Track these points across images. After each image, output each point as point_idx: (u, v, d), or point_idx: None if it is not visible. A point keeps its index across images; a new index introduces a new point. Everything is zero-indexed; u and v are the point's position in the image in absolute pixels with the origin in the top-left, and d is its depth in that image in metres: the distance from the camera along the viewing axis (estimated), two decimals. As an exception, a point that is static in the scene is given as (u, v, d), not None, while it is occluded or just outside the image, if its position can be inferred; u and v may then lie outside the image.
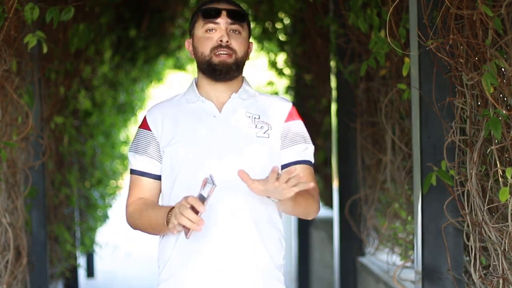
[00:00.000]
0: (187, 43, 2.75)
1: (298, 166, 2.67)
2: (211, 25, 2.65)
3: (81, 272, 7.85)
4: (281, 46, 7.49)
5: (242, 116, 2.68)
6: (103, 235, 8.53)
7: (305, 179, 2.49)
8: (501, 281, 2.81)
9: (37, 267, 4.31)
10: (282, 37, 7.44)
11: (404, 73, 3.49)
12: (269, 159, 2.64)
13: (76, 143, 6.75)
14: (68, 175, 6.32)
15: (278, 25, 7.43)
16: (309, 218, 2.70)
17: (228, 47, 2.63)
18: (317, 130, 7.10)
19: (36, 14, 3.41)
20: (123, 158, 9.07)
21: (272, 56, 7.73)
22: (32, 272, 4.24)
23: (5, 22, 3.37)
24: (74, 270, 7.14)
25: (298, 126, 2.71)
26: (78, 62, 5.72)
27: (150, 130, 2.70)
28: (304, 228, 7.63)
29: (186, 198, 2.39)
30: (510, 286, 2.79)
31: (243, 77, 2.77)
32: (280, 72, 7.69)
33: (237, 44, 2.65)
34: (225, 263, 2.61)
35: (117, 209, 9.84)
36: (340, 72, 5.00)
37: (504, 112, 2.69)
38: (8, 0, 3.35)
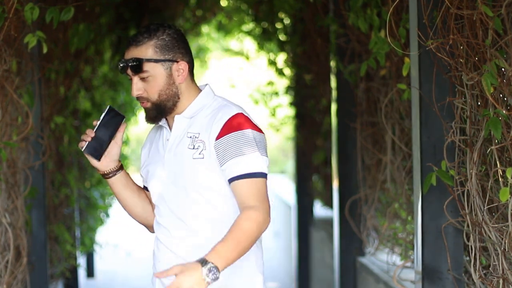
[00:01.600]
0: None
1: (238, 183, 2.59)
2: (128, 76, 2.68)
3: (81, 272, 7.85)
4: (281, 46, 7.49)
5: (185, 138, 2.70)
6: (103, 235, 8.53)
7: (246, 196, 2.56)
8: (501, 281, 2.81)
9: (37, 267, 4.31)
10: (282, 37, 7.45)
11: (404, 73, 3.49)
12: (205, 179, 2.65)
13: (76, 143, 6.75)
14: (68, 175, 6.32)
15: (278, 25, 7.43)
16: (263, 233, 2.60)
17: (140, 97, 2.67)
18: (317, 130, 7.11)
19: (36, 14, 3.40)
20: (123, 158, 9.07)
21: (272, 56, 7.73)
22: (32, 272, 4.24)
23: (5, 22, 3.37)
24: (74, 270, 7.13)
25: (231, 140, 2.60)
26: (78, 62, 5.72)
27: (141, 152, 2.93)
28: (304, 228, 7.63)
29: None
30: (510, 286, 2.79)
31: (202, 89, 2.74)
32: (280, 72, 7.69)
33: (148, 89, 2.65)
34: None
35: (117, 209, 9.85)
36: (340, 72, 5.00)
37: (504, 112, 2.69)
38: (8, 0, 3.35)
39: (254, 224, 2.52)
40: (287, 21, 7.37)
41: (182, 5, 8.14)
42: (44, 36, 3.62)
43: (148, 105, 2.67)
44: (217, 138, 2.61)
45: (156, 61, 2.64)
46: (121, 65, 2.66)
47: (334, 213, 5.37)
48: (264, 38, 7.64)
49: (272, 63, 7.68)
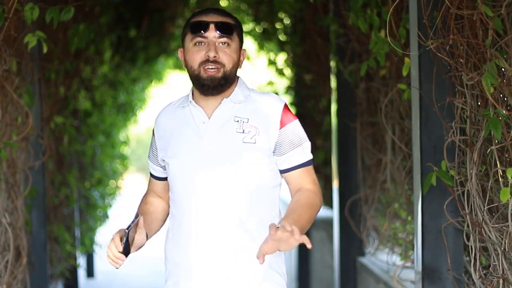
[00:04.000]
0: (180, 53, 2.74)
1: (298, 171, 2.72)
2: (199, 39, 2.64)
3: (81, 272, 7.85)
4: (281, 46, 7.49)
5: (231, 121, 2.68)
6: (103, 235, 8.53)
7: (305, 181, 2.70)
8: (501, 281, 2.81)
9: (37, 267, 4.31)
10: (282, 37, 7.45)
11: (404, 73, 3.49)
12: (255, 165, 2.66)
13: (76, 143, 6.75)
14: (68, 175, 6.32)
15: (278, 25, 7.43)
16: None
17: (216, 61, 2.63)
18: (317, 130, 7.10)
19: (36, 14, 3.40)
20: (123, 158, 9.07)
21: (272, 56, 7.73)
22: (32, 272, 4.24)
23: (5, 22, 3.37)
24: (74, 270, 7.14)
25: (293, 129, 2.69)
26: (78, 62, 5.72)
27: (154, 136, 2.82)
28: (304, 228, 7.61)
29: (115, 233, 2.58)
30: (510, 286, 2.79)
31: (237, 78, 2.76)
32: (280, 72, 7.69)
33: (225, 57, 2.64)
34: (220, 271, 2.67)
35: (117, 209, 9.84)
36: (340, 72, 5.00)
37: (504, 112, 2.69)
38: (8, 0, 3.35)
39: (318, 204, 2.68)
40: (287, 21, 7.37)
41: (182, 5, 8.14)
42: (44, 36, 3.62)
43: (219, 73, 2.63)
44: (280, 128, 2.67)
45: (238, 35, 2.70)
46: (213, 20, 2.64)
47: (334, 213, 5.36)
48: (264, 38, 7.64)
49: (272, 63, 7.68)
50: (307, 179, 2.72)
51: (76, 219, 7.08)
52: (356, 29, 4.28)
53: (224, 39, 2.64)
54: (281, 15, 7.29)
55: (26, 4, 3.45)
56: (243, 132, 2.66)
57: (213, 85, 2.64)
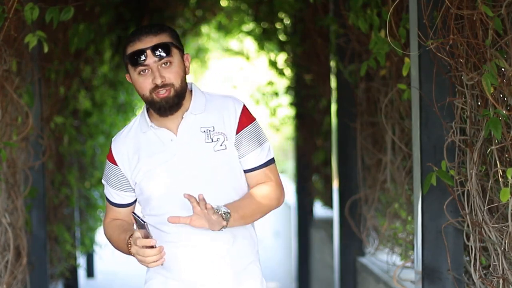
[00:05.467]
0: (128, 78, 2.72)
1: (259, 171, 2.76)
2: (141, 68, 2.64)
3: (81, 272, 7.85)
4: (281, 46, 7.49)
5: (197, 133, 2.70)
6: (103, 235, 8.53)
7: (262, 180, 2.75)
8: (501, 281, 2.81)
9: (37, 267, 4.31)
10: (282, 37, 7.45)
11: (404, 73, 3.49)
12: (231, 170, 2.72)
13: (76, 143, 6.75)
14: (68, 175, 6.32)
15: (278, 25, 7.43)
16: (274, 209, 2.80)
17: (164, 85, 2.63)
18: (317, 130, 7.10)
19: (36, 14, 3.40)
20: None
21: (272, 56, 7.73)
22: (32, 272, 4.24)
23: (5, 22, 3.37)
24: (74, 270, 7.14)
25: (250, 131, 2.73)
26: (78, 62, 5.72)
27: (117, 165, 2.78)
28: (304, 228, 7.63)
29: (135, 242, 2.55)
30: (510, 286, 2.79)
31: (191, 88, 2.76)
32: (280, 72, 7.69)
33: (172, 76, 2.64)
34: (208, 276, 2.72)
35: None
36: (340, 72, 5.00)
37: (504, 112, 2.69)
38: (8, 0, 3.35)
39: (275, 194, 2.74)
40: (287, 21, 7.37)
41: (182, 5, 8.14)
42: (44, 35, 3.62)
43: (171, 92, 2.64)
44: (237, 131, 2.71)
45: (177, 47, 2.68)
46: (148, 45, 2.61)
47: (334, 213, 5.36)
48: (264, 38, 7.64)
49: (272, 63, 7.69)
50: (267, 178, 2.77)
51: (76, 219, 7.08)
52: (356, 29, 4.27)
53: (164, 60, 2.64)
54: (281, 15, 7.29)
55: (26, 4, 3.45)
56: (212, 141, 2.69)
57: (168, 106, 2.65)
